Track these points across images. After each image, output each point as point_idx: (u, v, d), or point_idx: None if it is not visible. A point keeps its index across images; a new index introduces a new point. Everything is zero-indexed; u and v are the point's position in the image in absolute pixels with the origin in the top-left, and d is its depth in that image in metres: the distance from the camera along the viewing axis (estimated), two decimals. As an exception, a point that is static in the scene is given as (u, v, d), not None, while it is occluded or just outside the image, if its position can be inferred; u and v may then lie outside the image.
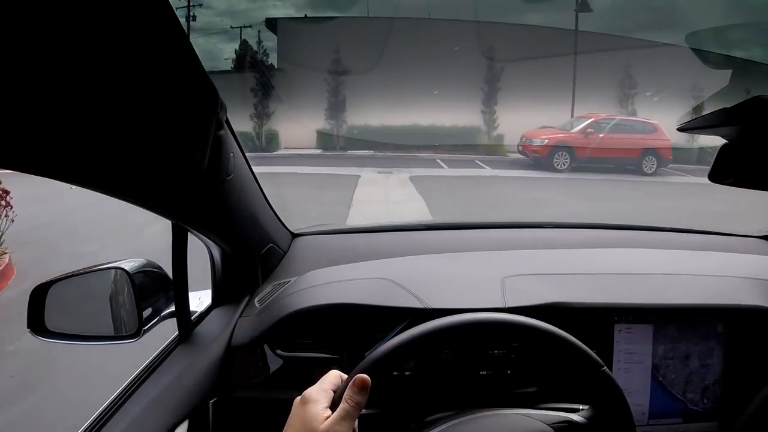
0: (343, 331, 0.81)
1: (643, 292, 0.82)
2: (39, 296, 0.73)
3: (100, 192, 0.49)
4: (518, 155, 9.60)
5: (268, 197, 0.97)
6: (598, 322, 0.79)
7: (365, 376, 0.52)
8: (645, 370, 0.79)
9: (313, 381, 0.78)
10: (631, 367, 0.79)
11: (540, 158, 8.91)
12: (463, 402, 0.66)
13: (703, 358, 0.80)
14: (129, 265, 0.76)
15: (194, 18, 12.28)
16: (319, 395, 0.53)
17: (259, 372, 0.81)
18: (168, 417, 0.66)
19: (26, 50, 0.32)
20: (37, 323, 0.72)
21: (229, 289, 0.91)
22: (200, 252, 0.87)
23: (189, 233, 0.74)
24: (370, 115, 11.75)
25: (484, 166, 9.68)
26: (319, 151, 11.59)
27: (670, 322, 0.80)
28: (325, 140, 12.03)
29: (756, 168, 0.46)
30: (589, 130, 8.97)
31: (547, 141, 8.98)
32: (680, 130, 0.50)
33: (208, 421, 0.74)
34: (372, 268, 0.94)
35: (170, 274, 0.77)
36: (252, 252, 0.91)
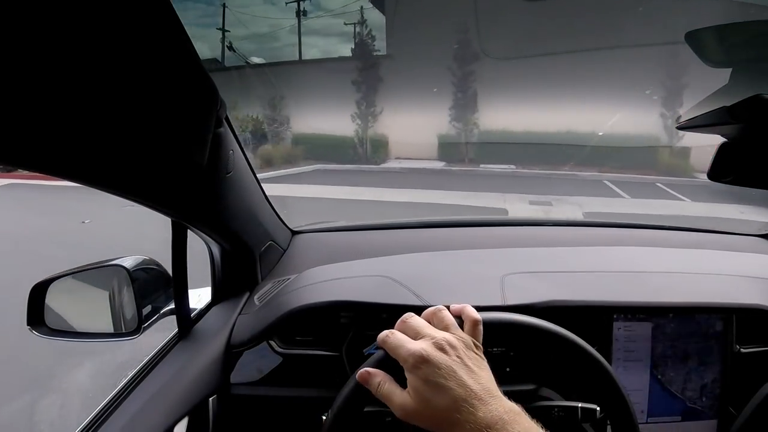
0: (342, 329, 0.81)
1: (643, 290, 0.82)
2: (39, 293, 0.73)
3: (100, 189, 0.49)
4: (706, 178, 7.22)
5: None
6: (597, 320, 0.79)
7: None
8: (644, 368, 0.80)
9: (312, 378, 0.79)
10: (630, 366, 0.79)
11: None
12: None
13: (702, 356, 0.80)
14: (128, 262, 0.76)
15: (305, 13, 10.89)
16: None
17: (259, 369, 0.81)
18: (168, 414, 0.66)
19: (28, 46, 0.32)
20: (36, 320, 0.73)
21: (228, 286, 0.91)
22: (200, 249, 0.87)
23: (189, 231, 0.74)
24: (511, 115, 8.41)
25: (677, 194, 6.54)
26: (441, 165, 8.48)
27: (669, 320, 0.80)
28: (449, 149, 8.94)
29: (756, 167, 0.46)
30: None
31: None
32: (679, 128, 0.50)
33: (208, 418, 0.75)
34: (371, 265, 0.94)
35: (170, 271, 0.77)
36: (251, 249, 0.91)
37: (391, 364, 0.49)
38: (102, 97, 0.41)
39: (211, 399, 0.75)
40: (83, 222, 5.20)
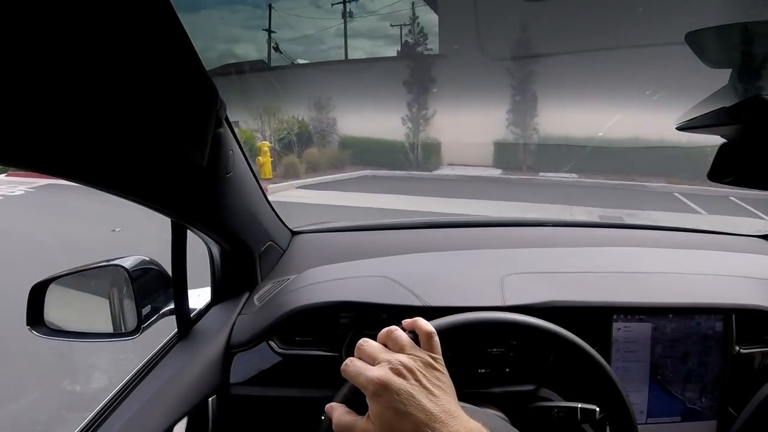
0: (342, 329, 0.81)
1: (642, 291, 0.82)
2: (38, 293, 0.73)
3: (100, 189, 0.49)
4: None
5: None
6: (596, 320, 0.79)
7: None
8: (644, 369, 0.80)
9: (312, 379, 0.79)
10: (630, 366, 0.79)
11: None
12: (461, 400, 0.66)
13: (702, 357, 0.80)
14: (128, 262, 0.76)
15: (351, 14, 10.81)
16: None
17: (259, 369, 0.81)
18: (167, 414, 0.66)
19: (28, 46, 0.32)
20: (36, 320, 0.73)
21: (228, 286, 0.91)
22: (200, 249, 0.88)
23: (188, 231, 0.74)
24: (573, 120, 7.31)
25: (754, 209, 5.77)
26: (497, 172, 7.75)
27: (669, 320, 0.80)
28: (505, 156, 8.15)
29: (756, 167, 0.46)
30: None
31: None
32: (679, 129, 0.50)
33: (208, 418, 0.75)
34: (371, 265, 0.94)
35: (170, 271, 0.77)
36: (251, 249, 0.91)
37: (358, 393, 0.49)
38: (102, 97, 0.41)
39: (210, 399, 0.75)
40: (114, 230, 4.88)
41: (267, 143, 8.45)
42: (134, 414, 0.64)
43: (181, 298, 0.77)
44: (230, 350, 0.80)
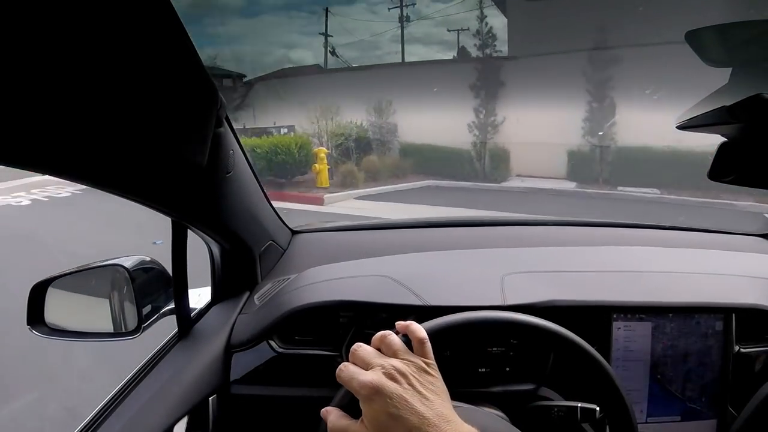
0: (342, 328, 0.81)
1: (642, 290, 0.82)
2: (39, 293, 0.73)
3: (101, 189, 0.49)
4: None
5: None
6: (596, 319, 0.79)
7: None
8: (643, 368, 0.80)
9: (312, 378, 0.79)
10: (630, 365, 0.79)
11: None
12: (461, 400, 0.67)
13: (702, 356, 0.80)
14: (128, 262, 0.76)
15: (408, 18, 10.72)
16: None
17: (259, 369, 0.81)
18: (168, 413, 0.66)
19: (28, 46, 0.32)
20: (36, 320, 0.73)
21: (228, 286, 0.91)
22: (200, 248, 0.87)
23: (189, 230, 0.74)
24: (656, 127, 6.41)
25: None
26: (571, 185, 7.01)
27: (669, 320, 0.80)
28: (579, 167, 7.33)
29: (756, 166, 0.46)
30: None
31: None
32: (679, 128, 0.50)
33: (208, 418, 0.75)
34: (371, 265, 0.94)
35: (170, 271, 0.77)
36: (251, 249, 0.91)
37: (353, 397, 0.49)
38: (102, 97, 0.41)
39: (211, 399, 0.75)
40: (154, 243, 4.75)
41: (324, 149, 8.03)
42: (135, 413, 0.64)
43: (182, 298, 0.77)
44: (230, 350, 0.80)
